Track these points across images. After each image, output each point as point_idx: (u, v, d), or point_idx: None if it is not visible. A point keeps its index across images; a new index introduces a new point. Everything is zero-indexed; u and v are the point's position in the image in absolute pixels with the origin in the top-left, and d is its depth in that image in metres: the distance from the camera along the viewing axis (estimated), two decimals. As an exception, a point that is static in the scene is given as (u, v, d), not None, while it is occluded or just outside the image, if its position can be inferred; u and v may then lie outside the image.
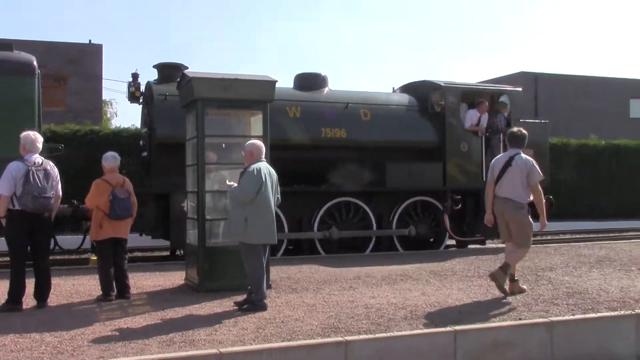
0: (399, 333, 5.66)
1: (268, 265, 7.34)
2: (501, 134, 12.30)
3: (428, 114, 12.54)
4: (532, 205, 7.45)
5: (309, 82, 12.25)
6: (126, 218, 7.38)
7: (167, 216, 10.67)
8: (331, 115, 11.79)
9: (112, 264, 7.35)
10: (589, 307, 6.74)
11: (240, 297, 6.91)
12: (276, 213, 10.04)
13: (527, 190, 7.28)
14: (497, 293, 7.44)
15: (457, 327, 5.83)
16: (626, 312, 6.47)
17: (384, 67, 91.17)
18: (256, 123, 8.02)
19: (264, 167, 6.78)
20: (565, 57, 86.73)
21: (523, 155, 7.40)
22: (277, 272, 8.83)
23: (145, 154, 11.54)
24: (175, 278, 8.57)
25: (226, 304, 6.91)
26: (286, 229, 11.20)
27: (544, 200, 7.39)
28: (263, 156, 6.89)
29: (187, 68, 11.20)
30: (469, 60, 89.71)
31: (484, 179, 10.90)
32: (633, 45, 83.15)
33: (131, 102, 11.90)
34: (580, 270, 9.16)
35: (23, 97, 9.83)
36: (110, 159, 7.53)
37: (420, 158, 12.20)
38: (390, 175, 11.76)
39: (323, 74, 12.46)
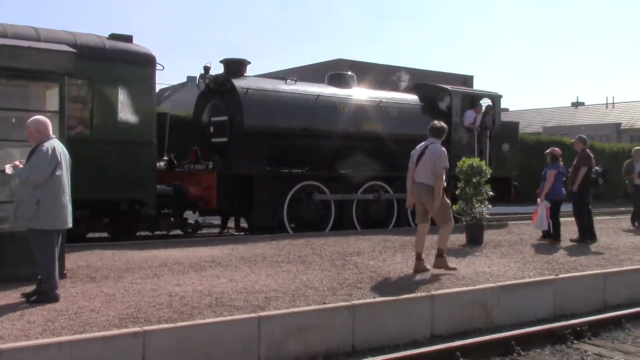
0: (201, 321, 5.63)
1: (62, 252, 6.94)
2: (488, 131, 15.65)
3: (436, 112, 14.94)
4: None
5: (340, 80, 14.71)
6: None
7: (244, 197, 12.65)
8: (370, 111, 14.23)
9: None
10: (390, 289, 7.19)
11: (30, 288, 6.47)
12: (323, 191, 13.55)
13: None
14: (304, 278, 7.70)
15: (262, 313, 5.92)
16: (422, 294, 6.99)
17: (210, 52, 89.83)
18: (52, 97, 7.51)
19: (58, 146, 6.38)
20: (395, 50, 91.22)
21: (437, 145, 8.40)
22: (76, 260, 8.43)
23: (219, 139, 13.04)
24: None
25: (12, 295, 6.45)
26: (333, 204, 13.57)
27: (441, 184, 8.27)
28: (51, 133, 6.46)
29: (249, 63, 13.44)
30: (291, 46, 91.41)
31: None
32: (454, 41, 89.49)
33: (201, 92, 13.68)
34: (385, 255, 9.74)
35: (144, 86, 11.25)
36: None
37: None
38: None
39: (349, 73, 15.14)
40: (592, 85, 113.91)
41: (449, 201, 8.60)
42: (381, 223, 14.30)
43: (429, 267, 8.42)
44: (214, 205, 12.38)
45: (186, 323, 5.57)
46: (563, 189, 11.99)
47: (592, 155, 12.24)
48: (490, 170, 11.56)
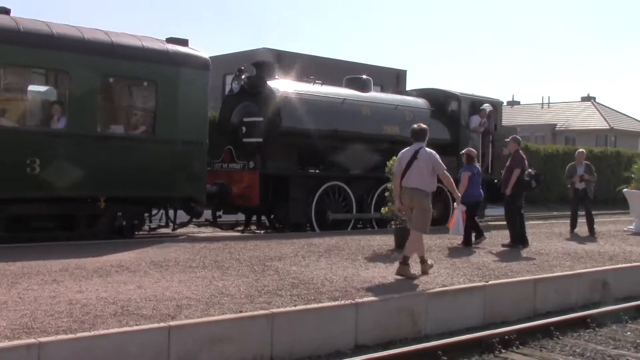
0: (104, 331, 5.53)
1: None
2: (490, 135, 17.66)
3: (445, 116, 17.17)
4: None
5: (358, 84, 16.39)
6: None
7: (276, 195, 14.10)
8: (388, 114, 15.95)
9: None
10: (312, 297, 7.24)
11: None
12: (345, 190, 15.44)
13: (433, 179, 8.88)
14: (220, 285, 7.67)
15: (172, 323, 5.86)
16: (346, 302, 7.06)
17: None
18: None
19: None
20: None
21: (426, 148, 8.92)
22: (-37, 264, 8.12)
23: (253, 139, 14.43)
24: None
25: None
26: (354, 203, 15.19)
27: (452, 180, 9.23)
28: None
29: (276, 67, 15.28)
30: (215, 34, 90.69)
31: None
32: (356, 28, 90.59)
33: (229, 93, 15.23)
34: (308, 260, 9.80)
35: (199, 88, 12.51)
36: None
37: (439, 152, 14.91)
38: None
39: (365, 76, 16.71)
40: (528, 84, 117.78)
41: (432, 209, 9.09)
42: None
43: (430, 262, 9.20)
44: (256, 204, 13.95)
45: (87, 334, 5.45)
46: (481, 190, 12.39)
47: (525, 156, 12.65)
48: None
